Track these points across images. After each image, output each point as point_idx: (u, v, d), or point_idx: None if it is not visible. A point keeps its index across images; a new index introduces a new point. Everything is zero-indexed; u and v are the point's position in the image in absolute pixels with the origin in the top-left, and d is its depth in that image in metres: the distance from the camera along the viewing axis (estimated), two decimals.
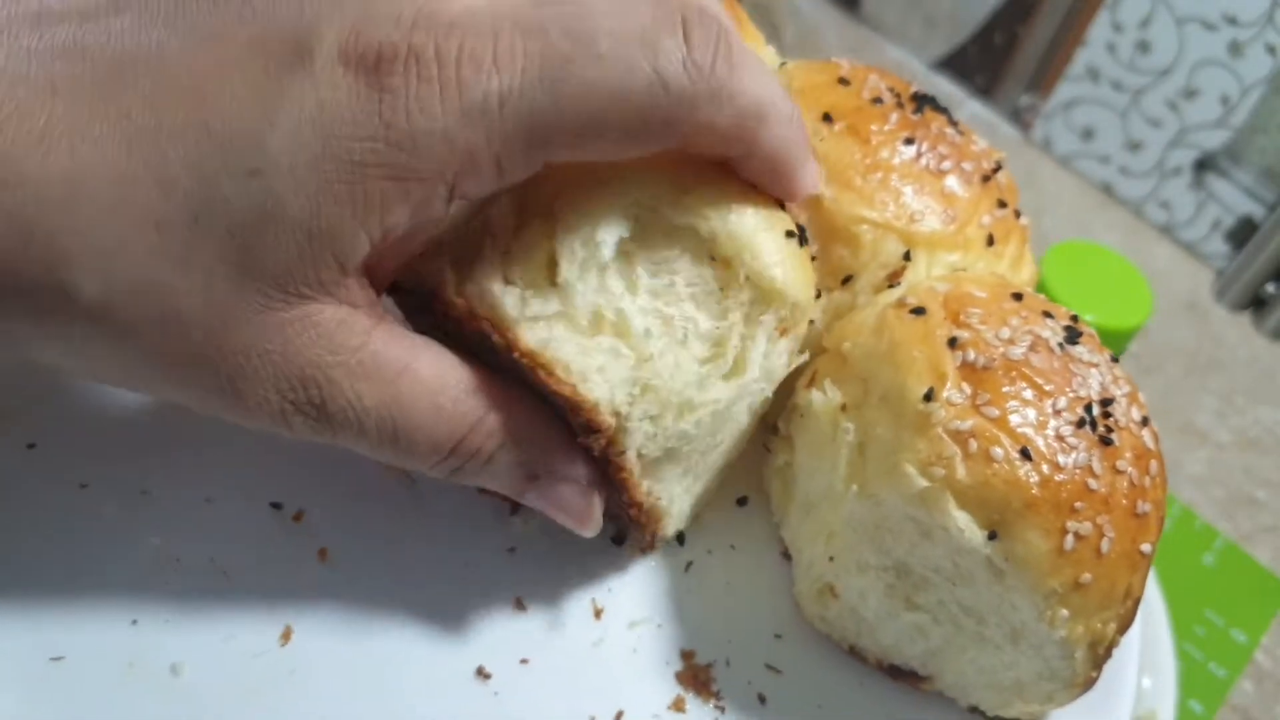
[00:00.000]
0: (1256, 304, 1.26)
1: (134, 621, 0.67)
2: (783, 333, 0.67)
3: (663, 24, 0.54)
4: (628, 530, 0.74)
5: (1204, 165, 1.45)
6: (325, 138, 0.51)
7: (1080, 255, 1.05)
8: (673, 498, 0.71)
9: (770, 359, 0.67)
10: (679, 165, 0.62)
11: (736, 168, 0.63)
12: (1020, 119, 1.55)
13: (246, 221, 0.52)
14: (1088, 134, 1.52)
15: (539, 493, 0.65)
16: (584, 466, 0.65)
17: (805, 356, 0.71)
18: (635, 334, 0.62)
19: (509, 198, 0.62)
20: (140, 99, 0.51)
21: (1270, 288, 1.24)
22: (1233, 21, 1.37)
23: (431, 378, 0.59)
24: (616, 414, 0.61)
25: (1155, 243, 1.44)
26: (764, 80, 0.59)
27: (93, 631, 0.66)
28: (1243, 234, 1.40)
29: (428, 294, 0.63)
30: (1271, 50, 1.36)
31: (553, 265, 0.61)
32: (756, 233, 0.63)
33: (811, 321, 0.73)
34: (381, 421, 0.58)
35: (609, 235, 0.61)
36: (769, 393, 0.70)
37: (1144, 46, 1.44)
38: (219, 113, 0.51)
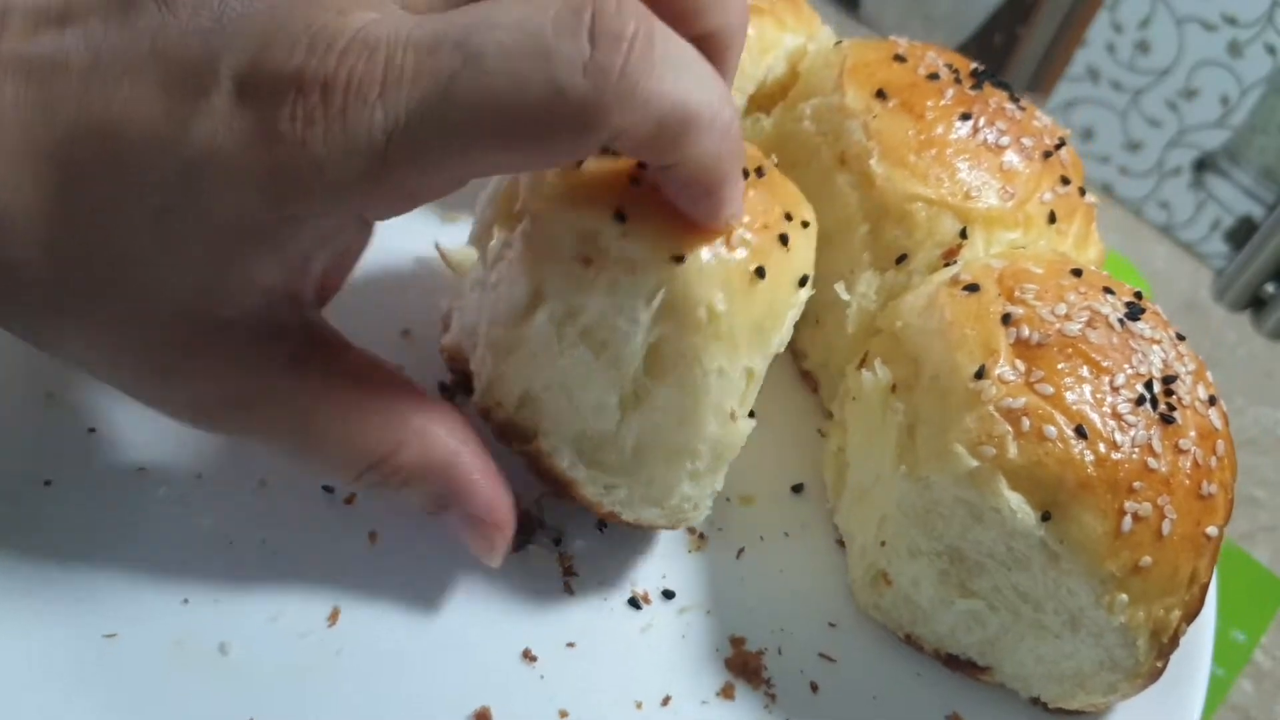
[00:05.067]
0: (1256, 304, 1.24)
1: (185, 601, 0.68)
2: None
3: (564, 25, 0.49)
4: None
5: (1203, 165, 1.43)
6: (224, 181, 0.52)
7: None
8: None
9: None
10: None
11: (663, 182, 0.59)
12: None
13: (156, 259, 0.54)
14: (1087, 134, 1.51)
15: (448, 522, 0.66)
16: (497, 506, 0.65)
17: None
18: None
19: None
20: (65, 125, 0.52)
21: (1269, 288, 1.21)
22: (1232, 21, 1.35)
23: (349, 408, 0.61)
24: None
25: (1155, 243, 1.43)
26: (695, 83, 0.53)
27: (145, 610, 0.67)
28: (1242, 234, 1.38)
29: None
30: (1271, 50, 1.34)
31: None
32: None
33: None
34: (293, 445, 0.62)
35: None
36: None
37: (1144, 46, 1.42)
38: (132, 145, 0.52)
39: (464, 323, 0.72)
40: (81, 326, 0.56)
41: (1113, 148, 1.49)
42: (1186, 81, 1.41)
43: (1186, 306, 1.28)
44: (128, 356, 0.58)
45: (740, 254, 0.61)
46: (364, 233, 0.63)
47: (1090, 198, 0.81)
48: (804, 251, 0.66)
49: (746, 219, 0.62)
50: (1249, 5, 1.35)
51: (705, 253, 0.60)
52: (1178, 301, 1.30)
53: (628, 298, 0.62)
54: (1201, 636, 0.74)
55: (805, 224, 0.67)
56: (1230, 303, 1.26)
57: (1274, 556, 1.04)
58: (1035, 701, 0.72)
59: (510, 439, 0.69)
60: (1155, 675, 0.67)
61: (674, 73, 0.51)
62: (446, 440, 0.63)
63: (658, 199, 0.60)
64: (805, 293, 0.66)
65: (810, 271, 0.67)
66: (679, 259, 0.60)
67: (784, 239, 0.64)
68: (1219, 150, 1.42)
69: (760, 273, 0.62)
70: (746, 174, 0.64)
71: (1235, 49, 1.37)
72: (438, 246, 0.83)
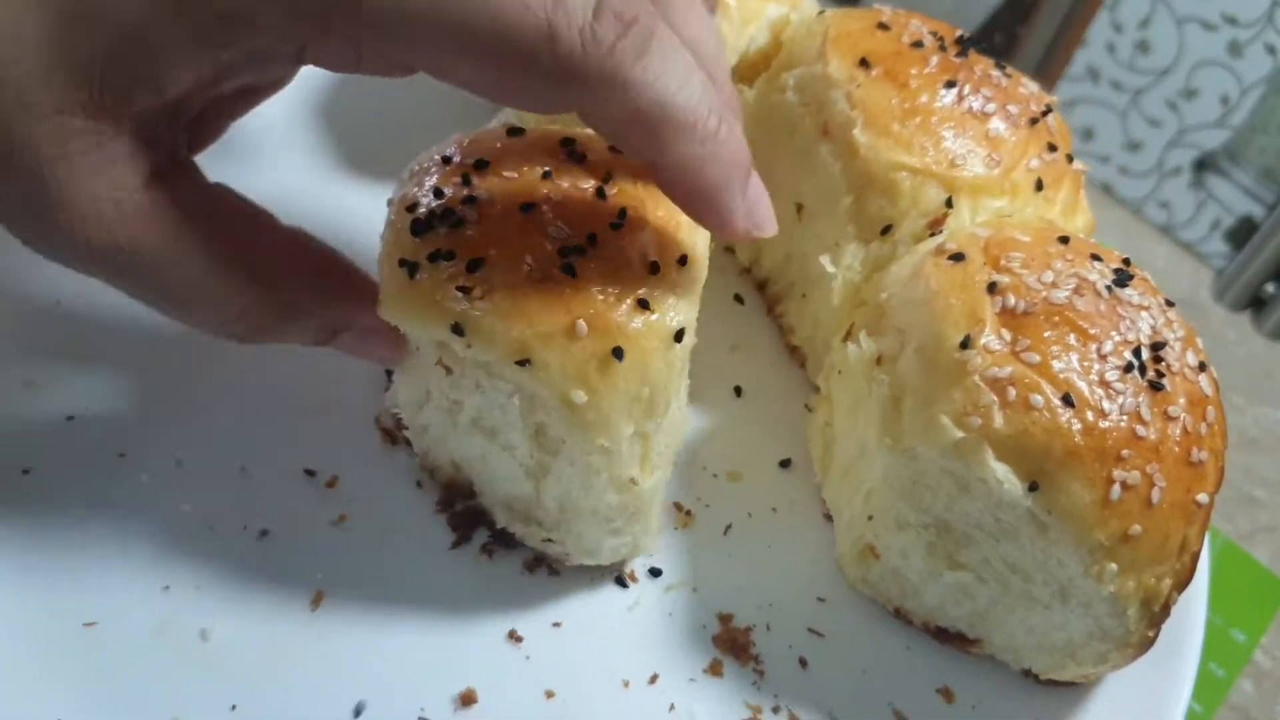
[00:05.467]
0: (1256, 304, 1.24)
1: (166, 588, 0.67)
2: None
3: None
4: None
5: (1203, 165, 1.42)
6: None
7: None
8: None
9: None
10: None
11: (660, 184, 0.59)
12: None
13: (79, 13, 0.51)
14: (1087, 134, 1.51)
15: (345, 345, 0.65)
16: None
17: None
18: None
19: None
20: None
21: (1269, 287, 1.21)
22: (1233, 21, 1.35)
23: (215, 236, 0.57)
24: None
25: (1155, 242, 1.43)
26: (684, 85, 0.53)
27: (125, 597, 0.66)
28: (1242, 234, 1.38)
29: None
30: (1271, 50, 1.34)
31: None
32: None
33: None
34: (152, 273, 0.56)
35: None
36: None
37: (1144, 46, 1.42)
38: None
39: (391, 398, 0.72)
40: None
41: (1113, 148, 1.49)
42: (1186, 81, 1.40)
43: (1186, 306, 1.27)
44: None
45: (588, 344, 0.59)
46: (280, 75, 0.60)
47: (1078, 164, 0.80)
48: (676, 301, 0.62)
49: (598, 293, 0.60)
50: (1249, 5, 1.35)
51: (549, 353, 0.59)
52: (1178, 301, 1.30)
53: (494, 395, 0.64)
54: (1193, 606, 0.73)
55: (682, 260, 0.63)
56: (1230, 303, 1.25)
57: (1274, 556, 1.04)
58: (1026, 673, 0.71)
59: (456, 496, 0.73)
60: (1147, 645, 0.66)
61: (661, 70, 0.52)
62: (321, 258, 0.62)
63: (491, 306, 0.59)
64: (688, 342, 0.63)
65: (690, 318, 0.63)
66: (523, 363, 0.59)
67: (644, 304, 0.61)
68: (1219, 150, 1.42)
69: (618, 354, 0.60)
70: (617, 226, 0.62)
71: (1235, 49, 1.36)
72: None
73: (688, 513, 0.76)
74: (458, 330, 0.59)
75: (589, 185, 0.64)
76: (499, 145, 0.66)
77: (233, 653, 0.65)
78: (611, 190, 0.64)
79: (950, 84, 0.76)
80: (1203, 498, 0.64)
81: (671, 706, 0.67)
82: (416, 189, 0.64)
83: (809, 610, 0.73)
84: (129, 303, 0.77)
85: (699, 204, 0.58)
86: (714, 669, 0.69)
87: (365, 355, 0.66)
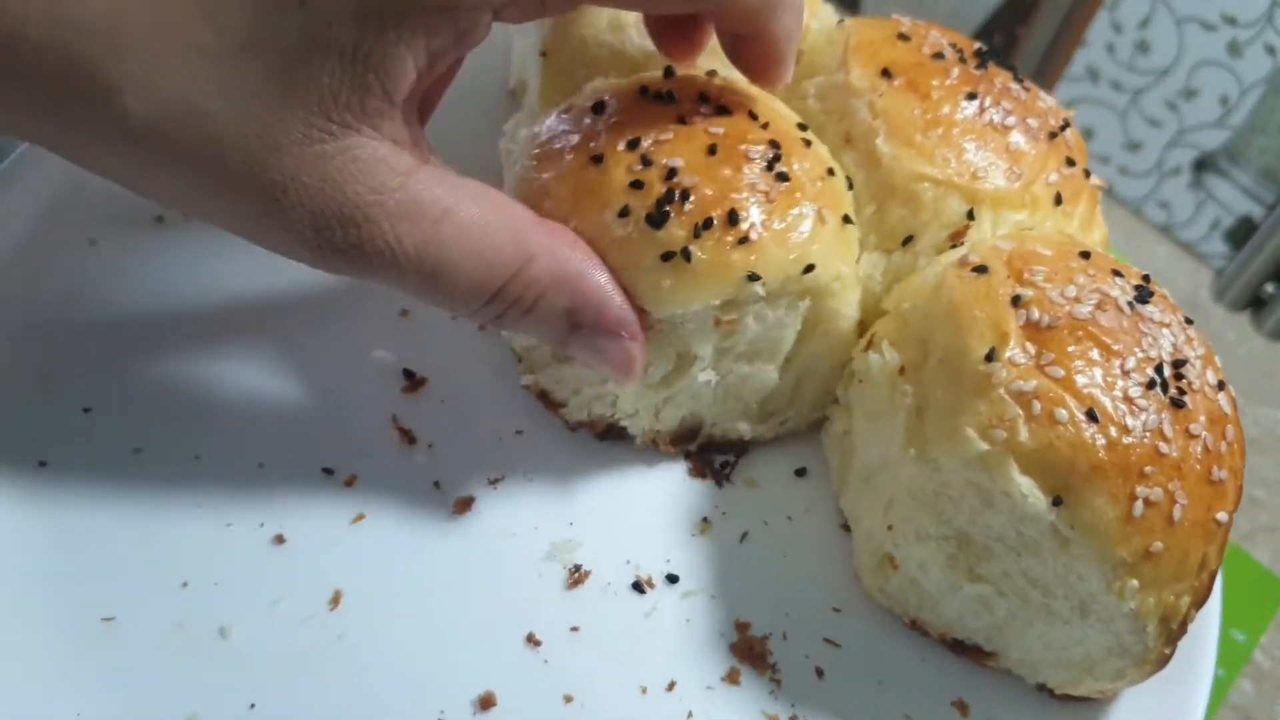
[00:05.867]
0: (1255, 304, 1.25)
1: (184, 584, 0.67)
2: None
3: None
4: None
5: (1203, 165, 1.43)
6: None
7: None
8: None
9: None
10: None
11: (735, 50, 0.68)
12: None
13: (293, 49, 0.53)
14: (1087, 134, 1.51)
15: (582, 342, 0.65)
16: (630, 315, 0.65)
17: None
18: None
19: None
20: None
21: (1269, 288, 1.22)
22: (1232, 21, 1.36)
23: (475, 222, 0.60)
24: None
25: (1155, 242, 1.44)
26: None
27: (143, 593, 0.66)
28: (1242, 234, 1.39)
29: None
30: (1271, 50, 1.34)
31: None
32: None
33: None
34: (421, 264, 0.59)
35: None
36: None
37: (1143, 47, 1.42)
38: None
39: (558, 376, 0.76)
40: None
41: (1113, 148, 1.49)
42: (1186, 81, 1.41)
43: (1187, 306, 1.28)
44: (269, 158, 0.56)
45: (832, 223, 0.69)
46: (476, 40, 0.61)
47: (1095, 180, 0.80)
48: (827, 152, 0.74)
49: (808, 181, 0.69)
50: (1249, 5, 1.35)
51: (820, 247, 0.68)
52: (1178, 301, 1.31)
53: (774, 314, 0.71)
54: (1207, 623, 0.73)
55: (803, 130, 0.73)
56: (1230, 303, 1.26)
57: (1274, 556, 1.04)
58: (1041, 688, 0.71)
59: (677, 444, 0.78)
60: (1163, 662, 0.66)
61: None
62: (573, 251, 0.64)
63: (765, 242, 0.66)
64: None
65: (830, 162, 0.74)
66: (809, 269, 0.67)
67: (830, 171, 0.71)
68: (1219, 150, 1.43)
69: (847, 219, 0.71)
70: (765, 125, 0.70)
71: (1235, 49, 1.37)
72: None
73: (704, 519, 0.76)
74: (754, 277, 0.66)
75: (709, 109, 0.70)
76: (615, 120, 0.69)
77: (252, 651, 0.65)
78: (727, 101, 0.71)
79: (971, 96, 0.76)
80: (1222, 516, 0.64)
81: (690, 714, 0.68)
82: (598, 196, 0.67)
83: (825, 620, 0.73)
84: (144, 295, 0.78)
85: (778, 65, 0.68)
86: (731, 677, 0.69)
87: (600, 356, 0.66)
